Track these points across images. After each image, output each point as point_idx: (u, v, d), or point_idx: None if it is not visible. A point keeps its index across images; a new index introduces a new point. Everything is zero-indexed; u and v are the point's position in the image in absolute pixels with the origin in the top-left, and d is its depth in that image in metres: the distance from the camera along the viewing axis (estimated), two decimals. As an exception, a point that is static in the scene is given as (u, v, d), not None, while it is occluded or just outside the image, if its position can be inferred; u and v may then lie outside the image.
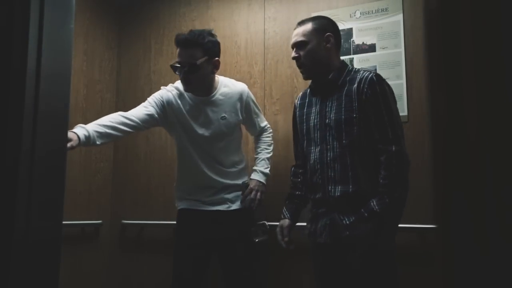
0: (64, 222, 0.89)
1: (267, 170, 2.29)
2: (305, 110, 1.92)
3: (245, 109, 2.23)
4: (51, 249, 0.85)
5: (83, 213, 2.77)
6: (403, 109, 2.37)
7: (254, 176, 2.25)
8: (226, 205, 2.19)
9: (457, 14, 0.73)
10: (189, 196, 2.22)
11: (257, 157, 2.34)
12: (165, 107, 2.15)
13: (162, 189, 2.87)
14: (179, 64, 2.04)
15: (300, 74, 2.61)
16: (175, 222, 2.56)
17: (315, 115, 1.85)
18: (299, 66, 1.88)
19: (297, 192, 1.99)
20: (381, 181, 1.66)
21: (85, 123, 1.91)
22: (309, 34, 1.81)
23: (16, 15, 0.82)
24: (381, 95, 1.71)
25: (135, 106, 3.08)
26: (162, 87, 2.25)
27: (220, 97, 2.18)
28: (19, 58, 0.81)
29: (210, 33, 2.11)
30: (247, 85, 2.31)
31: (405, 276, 2.16)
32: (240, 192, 2.20)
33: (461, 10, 0.73)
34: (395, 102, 1.77)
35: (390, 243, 1.72)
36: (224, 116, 2.16)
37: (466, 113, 0.71)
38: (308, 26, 1.83)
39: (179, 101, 2.16)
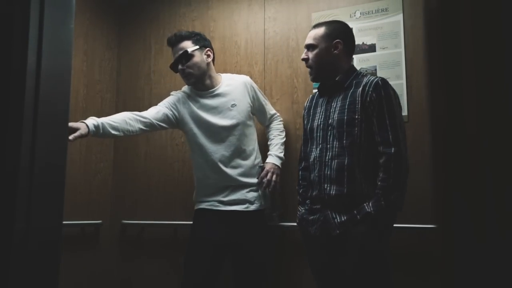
0: (64, 222, 0.89)
1: (281, 154, 2.31)
2: (311, 111, 1.98)
3: (252, 96, 2.31)
4: (51, 249, 0.85)
5: (83, 213, 2.77)
6: (403, 109, 2.37)
7: (270, 159, 2.27)
8: (244, 206, 2.18)
9: (457, 14, 0.73)
10: (207, 197, 2.23)
11: (271, 143, 2.36)
12: (176, 105, 2.25)
13: (162, 189, 2.87)
14: (174, 60, 2.22)
15: (300, 75, 2.63)
16: (175, 222, 2.57)
17: (320, 115, 1.90)
18: (307, 67, 1.96)
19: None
20: (378, 183, 1.68)
21: (90, 117, 1.92)
22: (319, 38, 1.90)
23: (16, 15, 0.82)
24: (385, 99, 1.74)
25: (135, 106, 3.10)
26: (170, 93, 2.36)
27: (226, 88, 2.27)
28: (19, 58, 0.81)
29: (199, 33, 2.33)
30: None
31: (405, 276, 2.16)
32: (259, 192, 2.21)
33: (461, 10, 0.73)
34: (399, 106, 1.81)
35: (384, 246, 1.72)
36: (234, 103, 2.23)
37: (466, 113, 0.71)
38: (321, 30, 1.91)
39: (188, 100, 2.27)
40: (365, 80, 1.81)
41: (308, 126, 1.96)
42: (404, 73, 2.38)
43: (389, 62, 2.43)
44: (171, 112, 2.23)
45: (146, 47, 3.08)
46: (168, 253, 2.76)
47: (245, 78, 2.34)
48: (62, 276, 0.90)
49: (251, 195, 2.19)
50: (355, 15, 2.54)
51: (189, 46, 2.21)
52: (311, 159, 1.88)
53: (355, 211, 1.69)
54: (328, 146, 1.81)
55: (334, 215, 1.75)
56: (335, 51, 1.88)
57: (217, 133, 2.20)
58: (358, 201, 1.71)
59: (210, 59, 2.27)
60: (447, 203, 0.74)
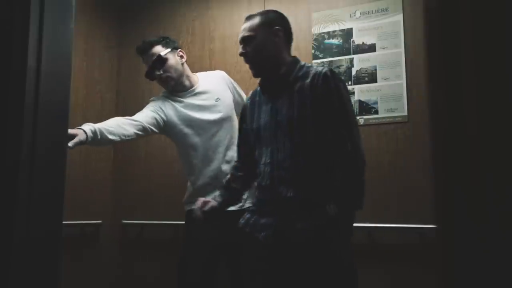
0: (64, 222, 0.89)
1: None
2: (255, 110, 1.79)
3: (231, 89, 2.29)
4: (51, 249, 0.85)
5: (83, 213, 2.77)
6: (403, 109, 2.37)
7: None
8: (240, 204, 2.10)
9: (457, 13, 0.73)
10: (199, 197, 2.19)
11: None
12: (161, 108, 2.19)
13: (162, 189, 2.87)
14: (149, 67, 2.17)
15: (300, 74, 2.63)
16: (175, 222, 2.56)
17: (265, 114, 1.72)
18: (247, 62, 1.77)
19: (233, 185, 1.87)
20: (336, 183, 1.56)
21: (85, 123, 1.91)
22: (256, 28, 1.71)
23: (16, 15, 0.82)
24: (336, 92, 1.60)
25: (135, 106, 3.07)
26: (150, 99, 2.30)
27: (206, 85, 2.24)
28: (19, 58, 0.81)
29: (167, 36, 2.28)
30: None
31: (405, 276, 2.17)
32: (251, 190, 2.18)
33: (461, 9, 0.73)
34: (349, 99, 1.67)
35: (345, 248, 1.60)
36: (218, 98, 2.21)
37: (466, 112, 0.71)
38: (256, 20, 1.73)
39: (171, 102, 2.20)
40: (312, 71, 1.66)
41: (254, 127, 1.77)
42: (404, 73, 2.38)
43: (389, 62, 2.43)
44: (158, 116, 2.16)
45: (146, 47, 3.08)
46: (168, 253, 2.76)
47: (221, 73, 2.33)
48: (62, 276, 0.90)
49: (246, 193, 2.17)
50: (355, 15, 2.54)
51: (160, 50, 2.16)
52: (262, 162, 1.71)
53: (316, 215, 1.55)
54: (279, 146, 1.65)
55: (291, 221, 1.58)
56: (276, 39, 1.70)
57: (208, 129, 2.16)
58: (315, 202, 1.58)
59: (184, 60, 2.24)
60: (447, 203, 0.74)
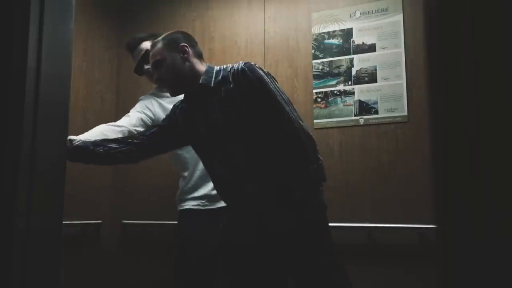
0: (64, 222, 0.89)
1: None
2: (187, 122, 1.79)
3: None
4: (51, 249, 0.85)
5: (83, 213, 2.77)
6: (403, 109, 2.37)
7: None
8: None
9: (457, 13, 0.73)
10: (193, 193, 2.16)
11: None
12: (148, 107, 2.21)
13: (162, 189, 2.86)
14: (137, 63, 2.21)
15: (300, 74, 2.64)
16: (175, 222, 2.55)
17: (203, 123, 1.74)
18: (163, 85, 1.83)
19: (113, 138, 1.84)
20: (294, 166, 1.58)
21: (85, 123, 1.92)
22: (161, 51, 1.75)
23: (16, 15, 0.82)
24: (257, 82, 1.63)
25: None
26: (139, 98, 2.31)
27: None
28: (19, 58, 0.81)
29: (155, 33, 2.22)
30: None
31: (405, 276, 2.17)
32: None
33: (461, 9, 0.73)
34: (274, 81, 1.68)
35: (325, 226, 1.61)
36: None
37: (466, 113, 0.71)
38: (159, 45, 1.77)
39: (158, 99, 2.24)
40: (230, 72, 1.68)
41: (193, 135, 1.78)
42: (404, 73, 2.38)
43: (389, 62, 2.43)
44: (144, 115, 2.17)
45: (146, 47, 3.08)
46: (168, 253, 2.76)
47: None
48: (62, 276, 0.90)
49: None
50: (355, 15, 2.54)
51: (148, 45, 2.15)
52: (216, 167, 1.73)
53: (289, 208, 1.57)
54: (225, 150, 1.67)
55: (266, 215, 1.61)
56: (185, 55, 1.74)
57: None
58: (285, 191, 1.59)
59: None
60: (447, 203, 0.74)
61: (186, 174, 2.24)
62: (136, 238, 2.92)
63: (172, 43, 1.76)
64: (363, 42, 2.50)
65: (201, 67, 1.77)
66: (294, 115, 1.61)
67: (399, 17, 2.43)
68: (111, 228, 2.95)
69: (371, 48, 2.48)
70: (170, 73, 1.74)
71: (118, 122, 2.10)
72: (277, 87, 1.67)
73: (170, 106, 2.14)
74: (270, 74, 1.69)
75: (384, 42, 2.45)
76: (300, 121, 1.61)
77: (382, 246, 2.29)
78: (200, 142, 1.78)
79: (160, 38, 1.81)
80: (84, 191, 2.80)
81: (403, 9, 2.42)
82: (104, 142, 1.80)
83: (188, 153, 2.19)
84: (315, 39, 2.62)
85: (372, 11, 2.51)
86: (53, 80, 0.87)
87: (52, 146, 0.87)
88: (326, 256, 1.59)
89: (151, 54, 1.79)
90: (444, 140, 0.76)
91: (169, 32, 1.85)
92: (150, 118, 2.18)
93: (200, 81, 1.72)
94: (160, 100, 2.23)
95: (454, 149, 0.73)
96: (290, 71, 2.62)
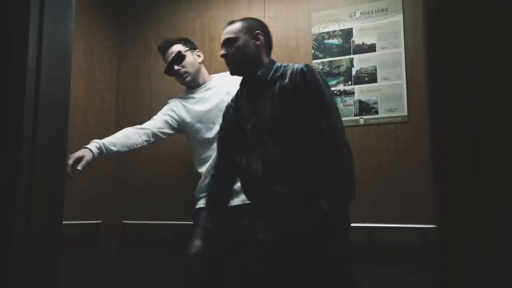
0: (64, 222, 0.89)
1: None
2: (238, 113, 1.84)
3: None
4: (51, 249, 0.85)
5: (83, 213, 2.77)
6: (403, 109, 2.37)
7: None
8: (243, 197, 2.06)
9: (457, 13, 0.73)
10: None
11: None
12: (173, 109, 2.37)
13: (163, 189, 2.87)
14: (168, 64, 2.35)
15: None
16: (175, 222, 2.57)
17: (249, 117, 1.77)
18: (227, 63, 1.86)
19: (215, 187, 1.89)
20: (328, 176, 1.59)
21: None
22: (238, 31, 1.82)
23: (16, 15, 0.82)
24: (314, 86, 1.65)
25: (135, 106, 3.09)
26: (168, 101, 2.47)
27: (219, 81, 2.39)
28: (19, 58, 0.81)
29: (186, 38, 2.51)
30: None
31: (405, 276, 2.17)
32: None
33: (461, 9, 0.73)
34: (330, 92, 1.71)
35: (344, 242, 1.61)
36: (228, 92, 2.27)
37: (466, 113, 0.71)
38: (237, 24, 1.84)
39: (184, 101, 2.37)
40: (289, 70, 1.72)
41: (238, 130, 1.81)
42: (404, 73, 2.38)
43: (389, 62, 2.43)
44: (168, 117, 2.33)
45: (146, 47, 3.08)
46: (168, 253, 2.76)
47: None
48: (62, 276, 0.90)
49: None
50: (355, 15, 2.54)
51: (180, 48, 2.36)
52: (250, 163, 1.73)
53: (310, 209, 1.59)
54: (267, 146, 1.69)
55: (290, 219, 1.62)
56: (257, 42, 1.80)
57: (217, 121, 2.20)
58: (310, 198, 1.60)
59: (201, 59, 2.43)
60: (447, 203, 0.74)
61: (202, 170, 2.32)
62: (136, 238, 2.92)
63: (249, 27, 1.83)
64: (363, 42, 2.50)
65: (265, 59, 1.83)
66: (339, 127, 1.64)
67: (399, 17, 2.43)
68: (111, 228, 2.95)
69: (371, 48, 2.48)
70: (238, 54, 1.80)
71: (143, 125, 2.28)
72: (330, 96, 1.70)
73: (193, 107, 2.34)
74: (326, 82, 1.73)
75: (384, 42, 2.45)
76: (344, 136, 1.63)
77: (382, 246, 2.29)
78: (241, 135, 1.81)
79: (240, 18, 1.89)
80: (84, 191, 2.80)
81: (403, 9, 2.42)
82: (221, 197, 1.91)
83: (210, 150, 2.26)
84: (315, 39, 2.62)
85: (372, 11, 2.51)
86: (53, 80, 0.87)
87: (52, 146, 0.87)
88: (334, 270, 1.58)
89: (225, 30, 1.87)
90: (444, 140, 0.76)
91: (249, 17, 1.93)
92: (175, 119, 2.34)
93: (259, 72, 1.77)
94: (184, 102, 2.37)
95: (454, 149, 0.73)
96: (290, 71, 2.62)
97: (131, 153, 3.01)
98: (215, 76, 2.45)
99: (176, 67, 2.33)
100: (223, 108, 2.11)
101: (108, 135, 2.22)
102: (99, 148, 2.05)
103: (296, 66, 1.72)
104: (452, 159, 0.73)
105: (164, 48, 2.39)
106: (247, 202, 2.06)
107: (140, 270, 2.87)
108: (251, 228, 1.72)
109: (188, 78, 2.35)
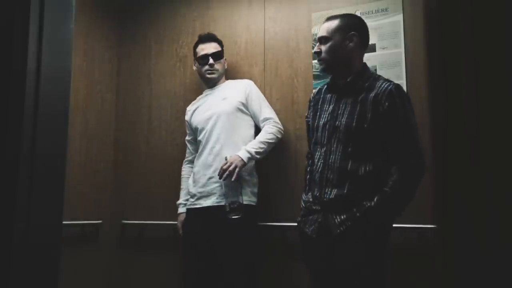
0: (64, 222, 0.89)
1: (252, 150, 2.25)
2: (318, 107, 1.89)
3: (247, 95, 2.45)
4: (51, 249, 0.85)
5: (83, 213, 2.77)
6: (403, 109, 2.37)
7: (238, 152, 2.25)
8: (215, 200, 2.30)
9: (457, 13, 0.73)
10: (193, 189, 2.42)
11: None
12: (186, 120, 2.60)
13: (162, 189, 2.86)
14: (206, 55, 2.50)
15: (300, 74, 2.63)
16: (175, 222, 2.58)
17: (326, 114, 1.83)
18: (319, 60, 1.88)
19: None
20: (389, 183, 1.65)
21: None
22: (332, 31, 1.82)
23: (16, 15, 0.82)
24: (401, 108, 1.69)
25: (135, 106, 3.09)
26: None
27: (225, 86, 2.54)
28: (19, 58, 0.81)
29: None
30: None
31: (405, 276, 2.16)
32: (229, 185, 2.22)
33: (461, 9, 0.73)
34: (413, 115, 1.75)
35: (383, 241, 1.70)
36: (226, 97, 2.44)
37: (466, 113, 0.71)
38: (334, 22, 1.83)
39: (193, 108, 2.57)
40: (378, 85, 1.73)
41: (315, 124, 1.88)
42: (404, 73, 2.38)
43: (389, 62, 2.43)
44: (187, 123, 2.60)
45: (146, 47, 3.08)
46: (168, 253, 2.76)
47: (246, 81, 2.53)
48: (61, 276, 0.90)
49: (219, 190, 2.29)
50: (355, 15, 2.54)
51: (218, 47, 2.54)
52: (316, 159, 1.83)
53: (354, 209, 1.66)
54: (332, 149, 1.75)
55: (333, 216, 1.70)
56: (350, 44, 1.80)
57: (205, 124, 2.43)
58: (357, 202, 1.68)
59: (225, 66, 2.62)
60: (447, 203, 0.74)
61: (194, 170, 2.48)
62: (136, 238, 2.92)
63: (345, 27, 1.83)
64: (363, 42, 2.50)
65: (358, 62, 1.84)
66: (421, 153, 1.70)
67: (399, 17, 2.42)
68: (111, 228, 2.95)
69: (371, 48, 2.48)
70: (329, 54, 1.83)
71: (189, 158, 2.60)
72: (415, 122, 1.74)
73: (194, 113, 2.53)
74: (410, 103, 1.75)
75: (384, 42, 2.45)
76: (425, 161, 1.69)
77: (382, 246, 2.29)
78: (313, 126, 1.89)
79: (339, 15, 1.89)
80: (84, 191, 2.80)
81: (403, 9, 2.42)
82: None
83: (201, 151, 2.44)
84: (315, 39, 2.61)
85: (372, 11, 2.50)
86: (53, 80, 0.87)
87: (52, 146, 0.87)
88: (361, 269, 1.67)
89: (322, 26, 1.89)
90: (444, 140, 0.76)
91: (349, 14, 1.95)
92: (188, 122, 2.57)
93: (349, 78, 1.80)
94: (196, 103, 2.59)
95: (454, 149, 0.73)
96: (290, 71, 2.62)
97: (131, 153, 3.02)
98: (227, 81, 2.59)
99: (211, 61, 2.48)
100: (210, 114, 2.41)
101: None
102: (184, 201, 2.49)
103: (386, 84, 1.73)
104: (452, 159, 0.73)
105: (207, 38, 2.55)
106: (217, 204, 2.26)
107: (140, 270, 2.86)
108: (304, 223, 1.82)
109: (214, 76, 2.50)
